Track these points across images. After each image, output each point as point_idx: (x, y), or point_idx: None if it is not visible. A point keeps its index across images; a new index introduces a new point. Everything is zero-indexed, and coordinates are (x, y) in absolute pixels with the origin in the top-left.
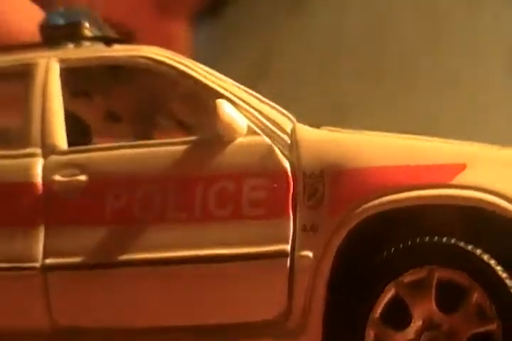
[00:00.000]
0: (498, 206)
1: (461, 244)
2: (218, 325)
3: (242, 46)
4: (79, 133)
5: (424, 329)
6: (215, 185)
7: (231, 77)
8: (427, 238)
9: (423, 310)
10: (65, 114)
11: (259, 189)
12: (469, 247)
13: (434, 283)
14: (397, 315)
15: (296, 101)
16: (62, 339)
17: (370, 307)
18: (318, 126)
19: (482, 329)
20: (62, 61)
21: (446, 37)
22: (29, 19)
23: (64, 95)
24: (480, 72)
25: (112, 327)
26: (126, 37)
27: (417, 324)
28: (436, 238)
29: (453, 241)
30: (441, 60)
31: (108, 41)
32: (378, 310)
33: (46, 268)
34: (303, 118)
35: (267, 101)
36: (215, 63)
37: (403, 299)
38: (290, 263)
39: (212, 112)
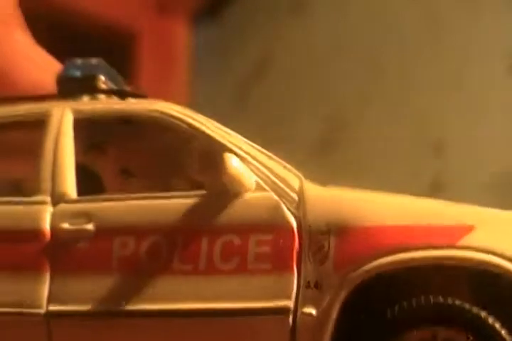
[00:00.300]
0: (503, 268)
1: (467, 305)
2: None
3: (242, 46)
4: (90, 185)
5: None
6: (220, 239)
7: (231, 77)
8: (432, 298)
9: None
10: (77, 166)
11: (265, 244)
12: (474, 309)
13: None
14: None
15: (295, 101)
16: None
17: None
18: (324, 184)
19: None
20: (76, 112)
21: (446, 37)
22: (40, 69)
23: (77, 147)
24: (480, 72)
25: None
26: (140, 94)
27: None
28: (441, 299)
29: (458, 302)
30: (441, 60)
31: (122, 95)
32: None
33: (50, 315)
34: (303, 118)
35: (276, 158)
36: (215, 63)
37: None
38: (293, 320)
39: (220, 166)
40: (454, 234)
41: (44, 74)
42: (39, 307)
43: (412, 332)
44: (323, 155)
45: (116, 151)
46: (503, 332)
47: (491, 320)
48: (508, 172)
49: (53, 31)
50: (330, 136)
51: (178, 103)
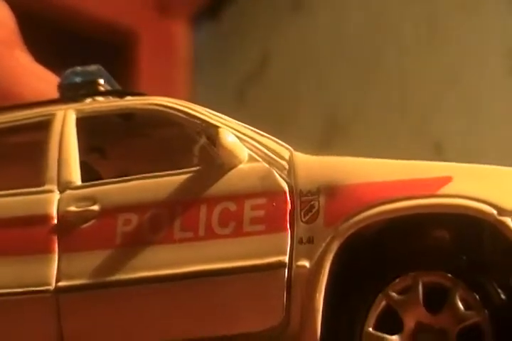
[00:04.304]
0: (481, 211)
1: (440, 247)
2: (220, 336)
3: (242, 46)
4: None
5: (416, 333)
6: (217, 207)
7: (231, 77)
8: (407, 246)
9: (413, 315)
10: (80, 165)
11: (259, 208)
12: (447, 249)
13: (421, 288)
14: (389, 321)
15: (295, 100)
16: None
17: (362, 320)
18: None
19: (470, 322)
20: (78, 111)
21: (446, 37)
22: (41, 81)
23: (79, 146)
24: (480, 72)
25: None
26: (138, 92)
27: (409, 328)
28: (415, 245)
29: (433, 245)
30: (440, 60)
31: (121, 94)
32: (371, 322)
33: (58, 291)
34: (303, 117)
35: (268, 135)
36: (215, 63)
37: (393, 307)
38: (288, 274)
39: (215, 140)
40: (434, 185)
41: (45, 86)
42: (48, 284)
43: (394, 282)
44: (323, 155)
45: (117, 154)
46: (483, 274)
47: (464, 257)
48: None
49: (54, 31)
50: (329, 136)
51: None
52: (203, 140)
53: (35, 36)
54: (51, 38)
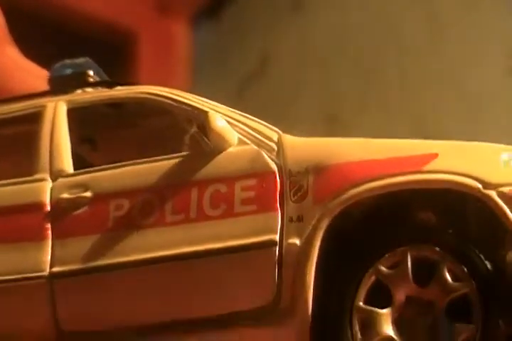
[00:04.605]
0: (466, 185)
1: (427, 222)
2: (214, 316)
3: (242, 46)
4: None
5: (406, 306)
6: (208, 188)
7: (231, 77)
8: (395, 223)
9: (403, 289)
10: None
11: (250, 189)
12: (434, 223)
13: (409, 263)
14: (379, 294)
15: (295, 100)
16: None
17: (353, 295)
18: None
19: (458, 294)
20: (68, 102)
21: (446, 37)
22: (32, 77)
23: (71, 138)
24: (480, 72)
25: (113, 328)
26: (127, 82)
27: (399, 302)
28: (403, 221)
29: (420, 220)
30: (440, 60)
31: (111, 84)
32: (362, 297)
33: (53, 276)
34: (303, 117)
35: (256, 119)
36: (215, 63)
37: (383, 282)
38: (279, 252)
39: (205, 124)
40: (420, 161)
41: (36, 81)
42: (42, 270)
43: (383, 258)
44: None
45: (108, 144)
46: (470, 246)
47: (450, 231)
48: None
49: (54, 31)
50: (329, 135)
51: None
52: (192, 126)
53: (35, 36)
54: (51, 38)
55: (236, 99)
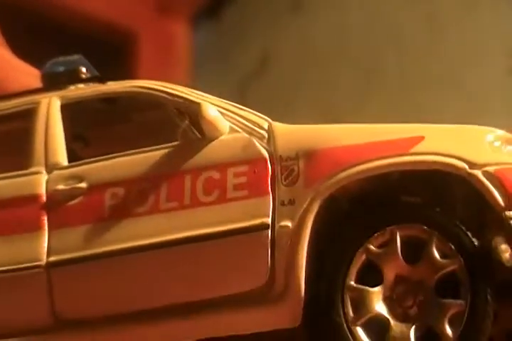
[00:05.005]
0: (452, 165)
1: (414, 201)
2: (210, 299)
3: (242, 46)
4: None
5: (396, 284)
6: (201, 176)
7: (231, 77)
8: (382, 203)
9: (393, 267)
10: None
11: (242, 175)
12: (422, 203)
13: (399, 241)
14: (369, 273)
15: (295, 100)
16: (64, 332)
17: (344, 274)
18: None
19: (447, 271)
20: (62, 98)
21: (446, 37)
22: (25, 75)
23: (65, 133)
24: (480, 72)
25: (111, 314)
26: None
27: (389, 281)
28: (390, 201)
29: (408, 200)
30: (440, 59)
31: (102, 80)
32: (353, 276)
33: (50, 265)
34: (303, 117)
35: (247, 108)
36: (215, 63)
37: (373, 261)
38: (271, 234)
39: (198, 113)
40: (407, 144)
41: (30, 80)
42: (39, 260)
43: (373, 237)
44: None
45: (101, 138)
46: (457, 224)
47: (438, 209)
48: None
49: (54, 31)
50: None
51: None
52: (183, 119)
53: (35, 36)
54: (51, 38)
55: (236, 99)
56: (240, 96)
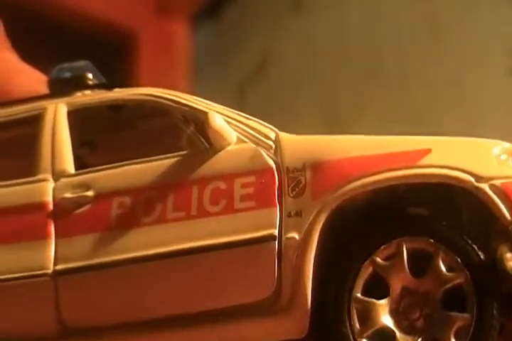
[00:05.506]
0: (458, 179)
1: (420, 214)
2: (217, 309)
3: (242, 46)
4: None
5: (402, 297)
6: (208, 186)
7: (231, 77)
8: (389, 215)
9: (399, 280)
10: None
11: (249, 186)
12: (428, 216)
13: (405, 254)
14: (376, 286)
15: (295, 100)
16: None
17: (350, 286)
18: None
19: (453, 283)
20: (69, 104)
21: (446, 37)
22: (31, 79)
23: (72, 139)
24: (480, 72)
25: (117, 323)
26: (125, 84)
27: (395, 293)
28: (398, 214)
29: (413, 213)
30: (440, 60)
31: (109, 86)
32: (359, 288)
33: (56, 274)
34: (303, 117)
35: (254, 118)
36: (215, 63)
37: (380, 273)
38: (278, 246)
39: (205, 123)
40: (414, 156)
41: (34, 83)
42: (46, 268)
43: (379, 250)
44: None
45: (108, 145)
46: (463, 237)
47: (444, 223)
48: None
49: (54, 32)
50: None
51: None
52: (189, 127)
53: (35, 36)
54: (51, 38)
55: (236, 99)
56: (240, 96)
